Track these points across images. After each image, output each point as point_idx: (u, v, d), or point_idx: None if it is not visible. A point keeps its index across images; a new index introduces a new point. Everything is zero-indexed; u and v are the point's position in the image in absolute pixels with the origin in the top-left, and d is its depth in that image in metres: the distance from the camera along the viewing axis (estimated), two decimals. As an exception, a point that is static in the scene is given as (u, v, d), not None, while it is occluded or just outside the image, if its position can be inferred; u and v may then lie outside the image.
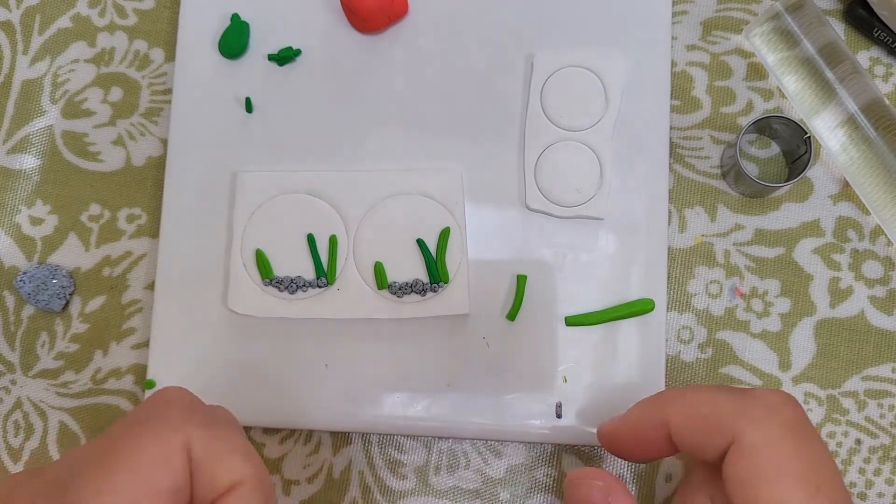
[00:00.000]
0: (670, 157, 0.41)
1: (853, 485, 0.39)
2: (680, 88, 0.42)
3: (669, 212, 0.41)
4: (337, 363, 0.40)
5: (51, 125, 0.43)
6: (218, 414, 0.29)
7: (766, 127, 0.40)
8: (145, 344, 0.41)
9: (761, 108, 0.42)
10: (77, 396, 0.41)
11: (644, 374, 0.39)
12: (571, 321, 0.39)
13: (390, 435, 0.40)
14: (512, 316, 0.39)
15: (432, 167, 0.41)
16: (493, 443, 0.40)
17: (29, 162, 0.43)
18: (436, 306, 0.39)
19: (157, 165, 0.43)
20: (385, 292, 0.40)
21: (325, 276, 0.40)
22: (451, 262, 0.40)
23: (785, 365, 0.40)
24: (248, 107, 0.42)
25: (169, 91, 0.43)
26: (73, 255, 0.42)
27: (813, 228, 0.41)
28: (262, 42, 0.42)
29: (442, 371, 0.39)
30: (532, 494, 0.40)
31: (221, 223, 0.41)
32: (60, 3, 0.44)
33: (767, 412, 0.27)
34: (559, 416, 0.39)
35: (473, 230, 0.40)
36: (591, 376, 0.39)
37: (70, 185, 0.43)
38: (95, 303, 0.42)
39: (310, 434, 0.41)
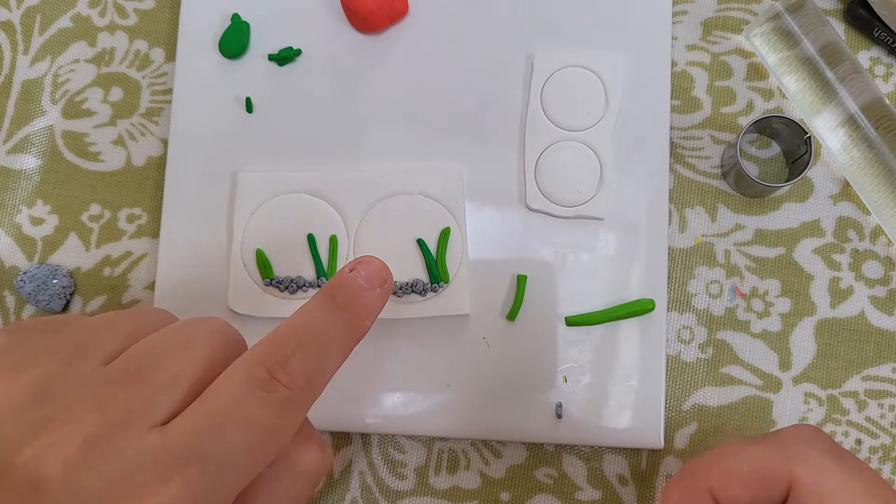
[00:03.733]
0: (670, 157, 0.41)
1: (853, 485, 0.39)
2: (680, 88, 0.42)
3: (670, 212, 0.41)
4: (337, 363, 0.40)
5: (51, 125, 0.43)
6: None
7: (766, 127, 0.40)
8: (145, 344, 0.41)
9: (762, 108, 0.42)
10: (77, 396, 0.41)
11: (644, 373, 0.39)
12: (571, 321, 0.39)
13: (390, 435, 0.40)
14: (512, 316, 0.39)
15: (432, 167, 0.41)
16: (493, 443, 0.40)
17: (29, 162, 0.43)
18: (436, 306, 0.39)
19: (158, 165, 0.43)
20: (385, 292, 0.40)
21: (325, 276, 0.40)
22: (452, 262, 0.40)
23: (785, 365, 0.40)
24: (249, 107, 0.42)
25: (169, 91, 0.43)
26: (73, 255, 0.42)
27: (813, 228, 0.41)
28: (263, 42, 0.42)
29: (442, 371, 0.39)
30: (532, 494, 0.40)
31: (221, 223, 0.41)
32: (61, 3, 0.44)
33: (808, 447, 0.27)
34: (559, 416, 0.39)
35: (473, 230, 0.40)
36: (591, 376, 0.39)
37: (70, 185, 0.43)
38: (96, 303, 0.42)
39: (310, 434, 0.41)
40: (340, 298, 0.29)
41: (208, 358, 0.26)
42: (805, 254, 0.41)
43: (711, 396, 0.40)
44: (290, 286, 0.40)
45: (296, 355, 0.26)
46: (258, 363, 0.26)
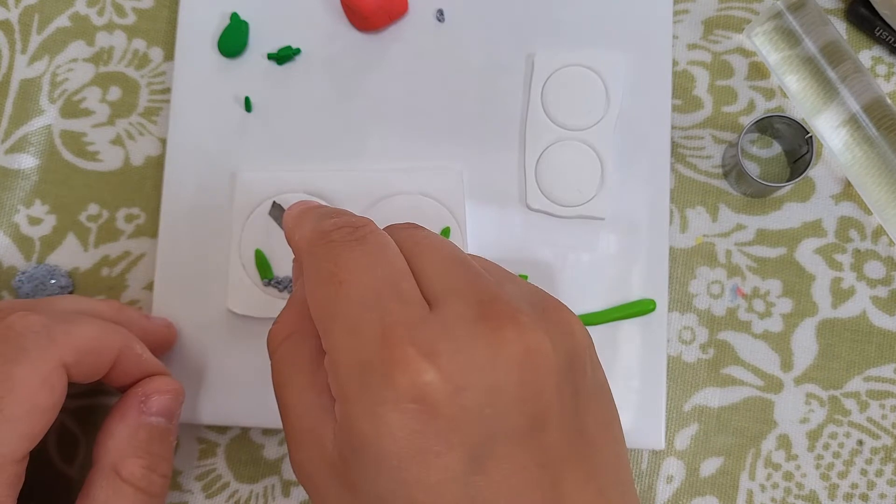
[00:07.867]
0: (671, 156, 0.41)
1: (855, 486, 0.39)
2: (681, 88, 0.42)
3: (671, 211, 0.41)
4: (337, 364, 0.40)
5: (49, 125, 0.43)
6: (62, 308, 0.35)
7: (767, 126, 0.40)
8: (144, 344, 0.41)
9: (763, 107, 0.42)
10: (77, 396, 0.41)
11: (645, 374, 0.39)
12: (572, 321, 0.39)
13: (390, 436, 0.40)
14: (512, 316, 0.39)
15: (432, 167, 0.41)
16: (493, 444, 0.40)
17: (27, 161, 0.43)
18: (436, 307, 0.39)
19: (156, 165, 0.43)
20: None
21: (324, 276, 0.40)
22: (452, 262, 0.40)
23: (787, 365, 0.40)
24: (248, 106, 0.42)
25: (168, 90, 0.43)
26: (71, 255, 0.42)
27: (815, 228, 0.41)
28: (262, 41, 0.42)
29: (442, 372, 0.39)
30: (532, 495, 0.40)
31: (221, 223, 0.41)
32: (59, 2, 0.44)
33: None
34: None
35: (474, 230, 0.40)
36: (592, 377, 0.39)
37: (69, 184, 0.43)
38: (94, 303, 0.42)
39: (309, 435, 0.41)
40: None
41: None
42: (806, 254, 0.41)
43: (713, 397, 0.40)
44: (290, 286, 0.39)
45: None
46: None
